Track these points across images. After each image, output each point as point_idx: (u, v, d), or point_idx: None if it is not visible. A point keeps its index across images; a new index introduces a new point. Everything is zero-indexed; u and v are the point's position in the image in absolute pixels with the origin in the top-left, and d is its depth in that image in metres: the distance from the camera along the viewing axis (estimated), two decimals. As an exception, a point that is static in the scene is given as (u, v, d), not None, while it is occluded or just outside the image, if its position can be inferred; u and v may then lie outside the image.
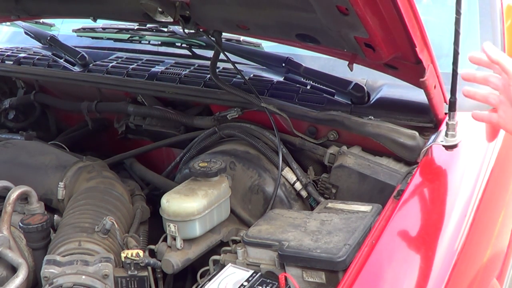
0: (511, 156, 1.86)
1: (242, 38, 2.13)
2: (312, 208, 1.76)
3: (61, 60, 2.43)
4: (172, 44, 2.39)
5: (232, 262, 1.50)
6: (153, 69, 2.21)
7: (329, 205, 1.61)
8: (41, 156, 1.89)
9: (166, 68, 2.20)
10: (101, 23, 2.45)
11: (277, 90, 1.95)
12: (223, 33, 1.92)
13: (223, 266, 1.50)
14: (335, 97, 1.88)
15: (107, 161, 2.08)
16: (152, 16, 1.74)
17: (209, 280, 1.40)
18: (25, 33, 2.66)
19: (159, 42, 2.42)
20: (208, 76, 2.04)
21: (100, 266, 1.44)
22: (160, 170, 2.12)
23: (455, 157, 1.57)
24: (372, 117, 1.74)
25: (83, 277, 1.41)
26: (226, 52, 1.92)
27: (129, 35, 2.45)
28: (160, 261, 1.56)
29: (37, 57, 2.50)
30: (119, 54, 2.48)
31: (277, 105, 1.83)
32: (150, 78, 2.15)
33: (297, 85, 1.97)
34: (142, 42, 2.46)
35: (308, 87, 1.96)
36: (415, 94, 1.68)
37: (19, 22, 2.63)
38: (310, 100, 1.87)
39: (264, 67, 2.12)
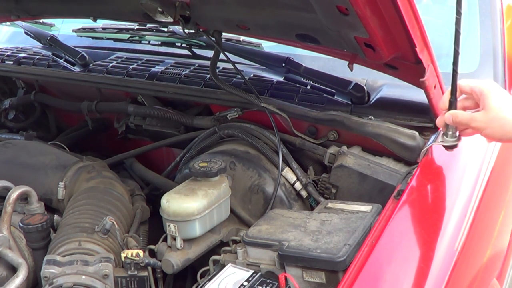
0: (511, 156, 1.87)
1: (242, 38, 2.13)
2: (312, 208, 1.76)
3: (61, 60, 2.43)
4: (172, 44, 2.39)
5: (232, 262, 1.50)
6: (153, 69, 2.21)
7: (329, 205, 1.61)
8: (41, 156, 1.89)
9: (166, 68, 2.20)
10: (101, 23, 2.45)
11: (277, 90, 1.95)
12: (223, 33, 1.92)
13: (223, 266, 1.50)
14: (335, 97, 1.88)
15: (107, 161, 2.08)
16: (152, 16, 1.74)
17: (209, 280, 1.40)
18: (25, 33, 2.66)
19: (159, 42, 2.42)
20: (208, 76, 2.04)
21: (100, 266, 1.43)
22: (160, 170, 2.12)
23: (455, 157, 1.57)
24: (372, 117, 1.74)
25: (83, 277, 1.41)
26: (226, 52, 1.92)
27: (129, 35, 2.45)
28: (160, 261, 1.56)
29: (37, 57, 2.50)
30: (119, 54, 2.48)
31: (277, 105, 1.83)
32: (150, 78, 2.15)
33: (297, 85, 1.97)
34: (142, 42, 2.46)
35: (308, 87, 1.96)
36: (415, 94, 1.68)
37: (19, 22, 2.63)
38: (310, 100, 1.87)
39: (264, 67, 2.12)
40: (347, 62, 1.63)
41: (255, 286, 1.35)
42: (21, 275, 1.44)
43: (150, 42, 2.45)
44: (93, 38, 2.59)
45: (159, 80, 2.13)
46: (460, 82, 1.39)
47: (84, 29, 2.51)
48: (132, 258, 1.46)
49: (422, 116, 1.70)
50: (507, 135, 1.33)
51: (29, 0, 2.08)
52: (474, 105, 1.40)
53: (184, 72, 2.14)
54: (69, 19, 2.61)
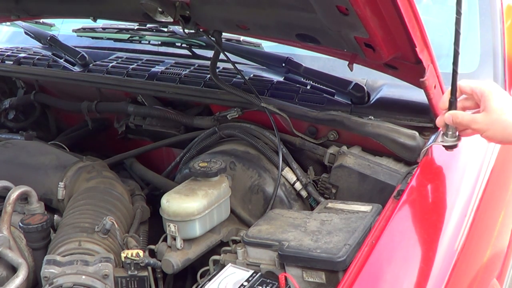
0: (511, 156, 1.87)
1: (242, 38, 2.13)
2: (312, 208, 1.76)
3: (61, 60, 2.43)
4: (172, 44, 2.39)
5: (232, 262, 1.50)
6: (153, 69, 2.21)
7: (329, 205, 1.61)
8: (41, 156, 1.90)
9: (166, 68, 2.20)
10: (101, 23, 2.45)
11: (277, 90, 1.95)
12: (223, 33, 1.92)
13: (223, 266, 1.50)
14: (335, 97, 1.88)
15: (107, 161, 2.08)
16: (152, 16, 1.74)
17: (209, 280, 1.40)
18: (25, 33, 2.66)
19: (159, 42, 2.42)
20: (208, 76, 2.04)
21: (100, 266, 1.43)
22: (160, 170, 2.12)
23: (455, 157, 1.57)
24: (372, 117, 1.74)
25: (83, 277, 1.41)
26: (226, 52, 1.92)
27: (129, 35, 2.45)
28: (160, 261, 1.56)
29: (37, 57, 2.50)
30: (119, 54, 2.48)
31: (277, 105, 1.83)
32: (150, 78, 2.15)
33: (297, 85, 1.97)
34: (142, 42, 2.47)
35: (308, 87, 1.96)
36: (415, 94, 1.68)
37: (19, 22, 2.63)
38: (310, 100, 1.87)
39: (264, 67, 2.12)
40: (347, 62, 1.63)
41: (255, 286, 1.35)
42: (21, 275, 1.44)
43: (150, 42, 2.45)
44: (93, 38, 2.59)
45: (159, 80, 2.13)
46: (461, 82, 1.39)
47: (84, 29, 2.51)
48: (132, 258, 1.46)
49: (422, 116, 1.70)
50: (508, 138, 1.33)
51: (29, 0, 2.08)
52: (474, 105, 1.40)
53: (184, 72, 2.14)
54: (69, 19, 2.61)
